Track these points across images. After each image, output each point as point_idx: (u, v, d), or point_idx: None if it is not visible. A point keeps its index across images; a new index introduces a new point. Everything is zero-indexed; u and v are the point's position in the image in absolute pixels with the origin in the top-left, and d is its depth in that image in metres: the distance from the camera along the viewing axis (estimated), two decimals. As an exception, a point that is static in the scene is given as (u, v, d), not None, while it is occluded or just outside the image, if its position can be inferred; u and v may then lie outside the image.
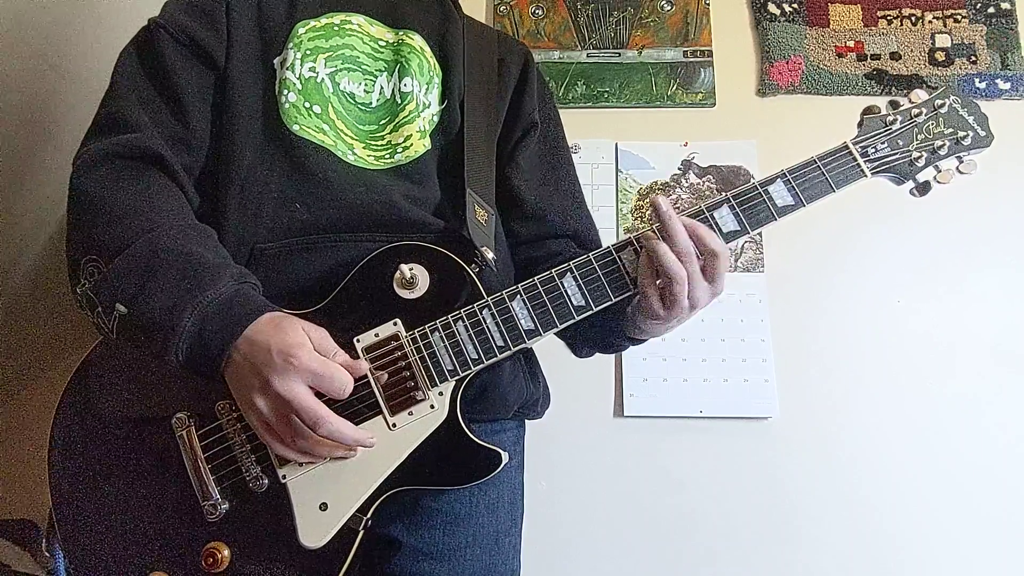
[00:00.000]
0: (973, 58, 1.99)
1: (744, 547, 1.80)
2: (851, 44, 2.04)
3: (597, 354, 1.16)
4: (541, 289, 0.92)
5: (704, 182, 1.99)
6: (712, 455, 1.84)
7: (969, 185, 1.86)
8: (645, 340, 1.04)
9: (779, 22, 2.05)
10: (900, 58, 2.01)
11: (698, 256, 0.88)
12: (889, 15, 2.05)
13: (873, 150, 0.96)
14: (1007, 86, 1.97)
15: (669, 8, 2.10)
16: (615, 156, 2.02)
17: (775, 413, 1.84)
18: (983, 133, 0.97)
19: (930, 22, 2.04)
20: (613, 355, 1.88)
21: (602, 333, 1.06)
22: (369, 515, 0.88)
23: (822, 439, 1.83)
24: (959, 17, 2.03)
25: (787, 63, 2.02)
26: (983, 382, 1.84)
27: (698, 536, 1.81)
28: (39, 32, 1.41)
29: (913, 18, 2.04)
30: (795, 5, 2.07)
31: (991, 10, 2.03)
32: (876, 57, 2.02)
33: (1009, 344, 1.86)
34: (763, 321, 1.90)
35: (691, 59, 2.07)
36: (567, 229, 1.14)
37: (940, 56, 2.01)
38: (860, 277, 1.92)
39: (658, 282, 0.89)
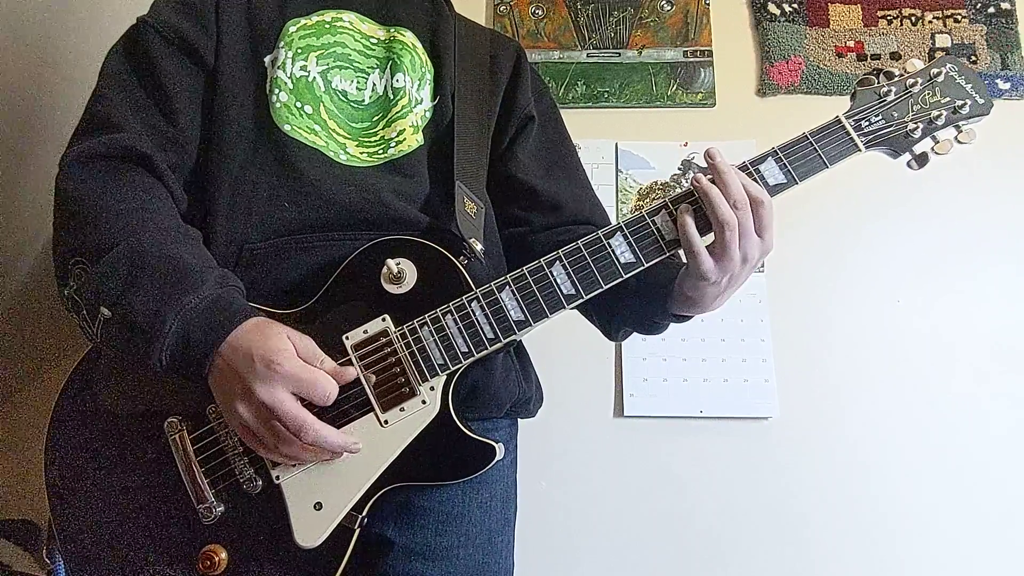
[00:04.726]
0: (973, 58, 1.99)
1: (744, 547, 1.79)
2: (851, 44, 2.03)
3: (631, 336, 1.13)
4: (530, 279, 0.90)
5: (704, 182, 1.98)
6: (712, 455, 1.84)
7: (969, 184, 1.89)
8: (690, 317, 1.01)
9: (779, 22, 2.05)
10: (900, 58, 2.01)
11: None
12: (889, 15, 2.04)
13: (867, 123, 0.93)
14: (1007, 86, 1.96)
15: (669, 8, 2.10)
16: (615, 156, 2.02)
17: (775, 413, 1.84)
18: (982, 100, 0.94)
19: (930, 22, 2.03)
20: (614, 354, 1.89)
21: (642, 310, 1.03)
22: (364, 513, 0.88)
23: (822, 439, 1.83)
24: (959, 17, 2.03)
25: (787, 63, 2.02)
26: (984, 382, 1.83)
27: (698, 536, 1.80)
28: (38, 32, 1.41)
29: (913, 18, 2.04)
30: (795, 5, 2.06)
31: (991, 10, 2.02)
32: (876, 57, 2.02)
33: (1009, 344, 1.85)
34: (763, 321, 1.89)
35: (691, 59, 2.06)
36: (584, 215, 1.13)
37: (940, 56, 2.00)
38: (860, 277, 1.91)
39: (703, 239, 0.89)
